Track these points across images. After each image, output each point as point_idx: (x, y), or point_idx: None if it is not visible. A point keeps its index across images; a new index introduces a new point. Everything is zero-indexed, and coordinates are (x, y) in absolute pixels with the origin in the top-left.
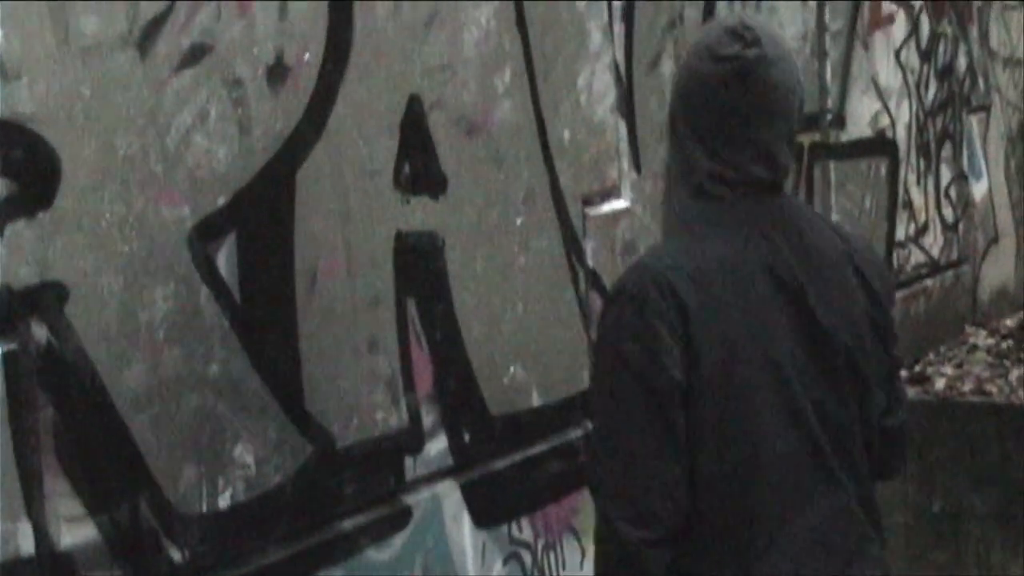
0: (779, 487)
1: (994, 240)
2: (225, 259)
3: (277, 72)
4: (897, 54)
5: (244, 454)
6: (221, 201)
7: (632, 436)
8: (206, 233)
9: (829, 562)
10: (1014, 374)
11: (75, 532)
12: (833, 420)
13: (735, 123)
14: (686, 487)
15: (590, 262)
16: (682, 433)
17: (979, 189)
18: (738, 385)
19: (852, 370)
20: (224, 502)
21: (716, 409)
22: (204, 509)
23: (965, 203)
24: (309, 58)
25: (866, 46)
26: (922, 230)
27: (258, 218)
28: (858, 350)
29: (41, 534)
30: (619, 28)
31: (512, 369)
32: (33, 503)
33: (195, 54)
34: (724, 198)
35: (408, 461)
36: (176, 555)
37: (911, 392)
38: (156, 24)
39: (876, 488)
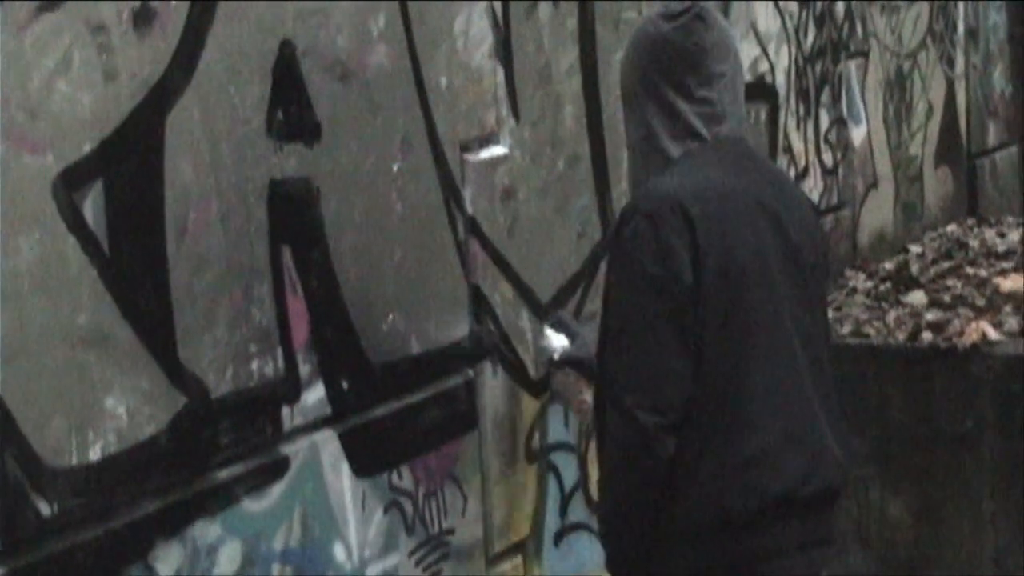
0: (761, 384)
1: (873, 185)
2: (92, 207)
3: (143, 16)
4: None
5: (116, 405)
6: (87, 148)
7: (650, 335)
8: (72, 181)
9: (797, 458)
10: (891, 316)
11: None
12: (807, 331)
13: (702, 60)
14: (692, 378)
15: (469, 208)
16: (691, 331)
17: (858, 134)
18: (735, 288)
19: (817, 288)
20: (95, 454)
21: (718, 309)
22: (74, 462)
23: (844, 148)
24: (176, 2)
25: None
26: (802, 174)
27: (126, 166)
28: (820, 271)
29: None
30: None
31: (391, 317)
32: None
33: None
34: (706, 139)
35: (285, 410)
36: (45, 509)
37: None
38: None
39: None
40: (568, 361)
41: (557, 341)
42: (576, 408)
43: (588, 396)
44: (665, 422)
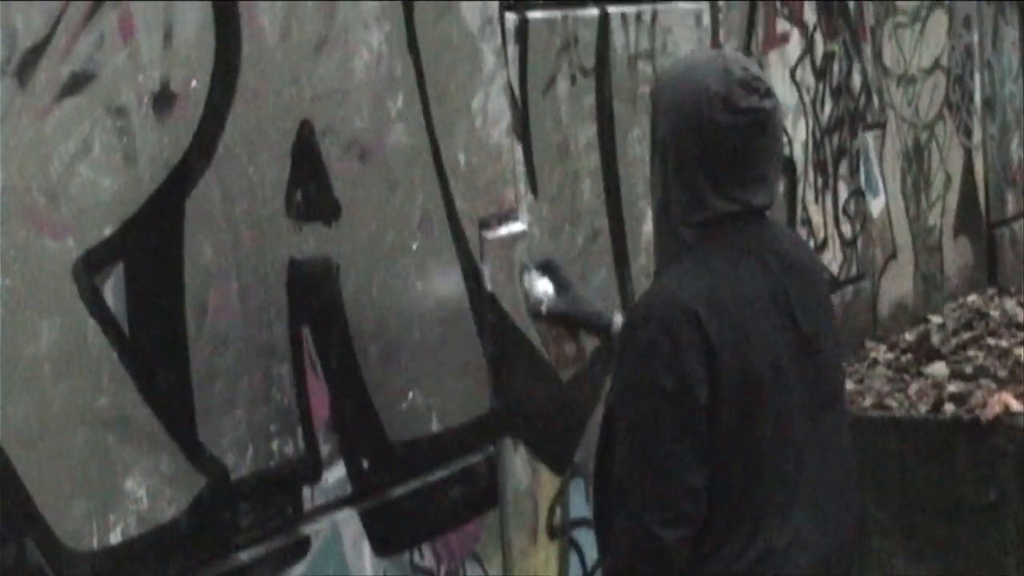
0: (769, 494)
1: (892, 255)
2: (112, 290)
3: (163, 100)
4: (792, 72)
5: (136, 488)
6: (108, 231)
7: (665, 450)
8: (92, 264)
9: (805, 556)
10: (913, 388)
11: None
12: (821, 428)
13: (749, 164)
14: (706, 491)
15: (488, 285)
16: (705, 444)
17: (876, 205)
18: (748, 401)
19: (831, 369)
20: (116, 537)
21: (730, 422)
22: (95, 545)
23: (863, 219)
24: (196, 85)
25: (761, 65)
26: (821, 247)
27: (146, 248)
28: (834, 351)
29: None
30: (513, 50)
31: (411, 394)
32: None
33: (77, 83)
34: (727, 227)
35: (306, 490)
36: None
37: None
38: (36, 52)
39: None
40: (554, 315)
41: (542, 288)
42: (554, 357)
43: (569, 348)
44: (684, 535)
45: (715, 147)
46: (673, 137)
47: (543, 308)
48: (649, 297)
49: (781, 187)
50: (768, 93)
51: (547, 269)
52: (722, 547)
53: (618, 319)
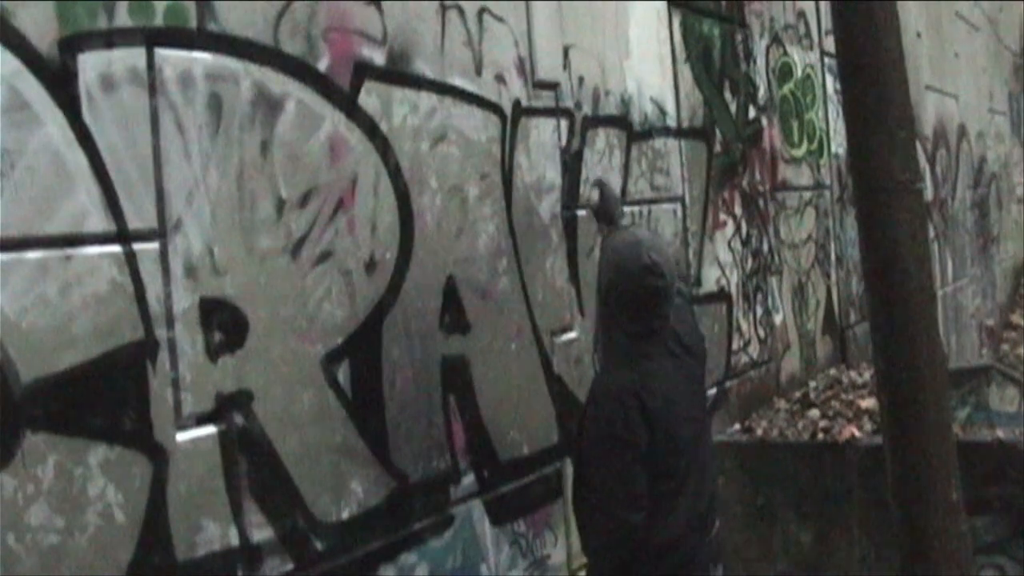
0: (673, 486)
1: (787, 347)
2: (342, 374)
3: (371, 265)
4: (729, 243)
5: (356, 487)
6: (339, 341)
7: (626, 471)
8: (331, 360)
9: (691, 528)
10: (800, 424)
11: (260, 532)
12: (702, 451)
13: (649, 311)
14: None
15: (556, 370)
16: (646, 465)
17: (778, 319)
18: (671, 440)
19: (703, 409)
20: (345, 515)
21: (661, 453)
22: (332, 519)
23: (771, 327)
24: (389, 256)
25: (711, 239)
26: (747, 343)
27: (361, 350)
28: (703, 387)
29: (241, 533)
30: (568, 232)
31: (511, 432)
32: (237, 516)
33: (323, 257)
34: (642, 338)
35: (452, 488)
36: (319, 545)
37: (743, 438)
38: (301, 241)
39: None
40: (591, 208)
41: (594, 196)
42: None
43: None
44: (641, 518)
45: (629, 303)
46: (607, 290)
47: (589, 204)
48: (606, 384)
49: (723, 309)
50: (663, 275)
51: (599, 184)
52: (655, 519)
53: (625, 220)
